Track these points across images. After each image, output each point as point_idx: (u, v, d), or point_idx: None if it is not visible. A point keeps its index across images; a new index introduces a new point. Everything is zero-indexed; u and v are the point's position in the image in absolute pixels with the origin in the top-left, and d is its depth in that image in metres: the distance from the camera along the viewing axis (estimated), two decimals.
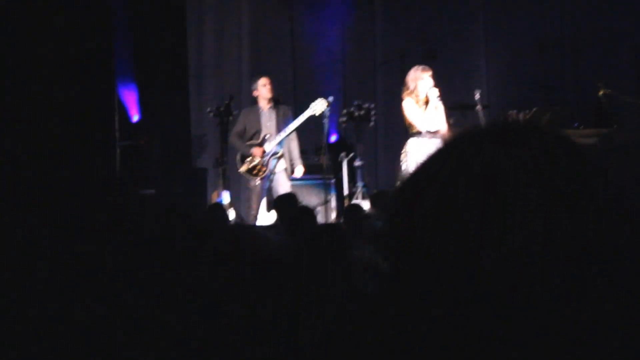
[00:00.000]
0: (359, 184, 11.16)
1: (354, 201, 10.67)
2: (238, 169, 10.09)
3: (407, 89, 8.99)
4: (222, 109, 10.88)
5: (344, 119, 11.82)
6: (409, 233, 1.03)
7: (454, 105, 10.84)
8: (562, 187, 1.00)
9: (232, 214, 9.71)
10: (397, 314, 1.02)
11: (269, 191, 10.03)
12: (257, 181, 9.95)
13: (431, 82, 8.99)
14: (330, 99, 10.21)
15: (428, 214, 1.02)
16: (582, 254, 0.98)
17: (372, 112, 11.78)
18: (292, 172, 10.09)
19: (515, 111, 11.06)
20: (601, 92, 10.02)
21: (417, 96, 8.94)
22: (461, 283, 0.97)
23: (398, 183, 1.14)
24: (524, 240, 0.97)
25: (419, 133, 8.92)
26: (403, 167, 8.91)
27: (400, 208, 1.07)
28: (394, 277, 1.04)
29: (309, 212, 6.85)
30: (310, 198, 10.53)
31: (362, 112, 11.70)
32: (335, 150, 11.44)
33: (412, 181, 1.09)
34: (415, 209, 1.04)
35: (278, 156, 10.00)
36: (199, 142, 12.48)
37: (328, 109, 10.10)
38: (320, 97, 10.30)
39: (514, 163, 1.00)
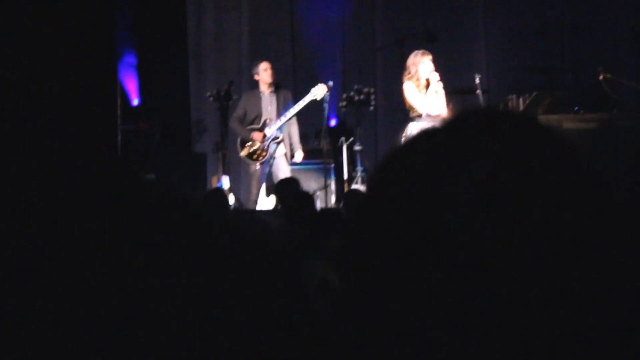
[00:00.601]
0: (359, 169, 11.17)
1: (354, 186, 10.70)
2: (238, 154, 10.09)
3: (408, 73, 9.01)
4: (222, 93, 10.90)
5: (344, 103, 11.82)
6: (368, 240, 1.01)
7: (454, 89, 10.87)
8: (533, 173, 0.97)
9: (231, 199, 9.71)
10: (353, 334, 1.00)
11: (268, 176, 10.05)
12: (257, 166, 9.95)
13: (431, 66, 9.00)
14: (330, 83, 10.21)
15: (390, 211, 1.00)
16: (552, 240, 0.95)
17: (372, 97, 11.77)
18: (292, 156, 10.10)
19: (514, 95, 11.08)
20: (601, 77, 10.02)
21: (417, 80, 8.96)
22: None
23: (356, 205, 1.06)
24: (490, 231, 0.95)
25: (419, 116, 8.95)
26: None
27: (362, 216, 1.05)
28: (350, 297, 1.02)
29: (309, 197, 6.86)
30: (310, 182, 10.55)
31: (361, 97, 11.69)
32: (335, 134, 11.44)
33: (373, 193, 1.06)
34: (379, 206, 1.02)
35: (278, 141, 10.00)
36: (199, 127, 12.48)
37: (328, 93, 10.09)
38: (320, 81, 10.31)
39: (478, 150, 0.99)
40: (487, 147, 0.98)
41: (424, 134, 1.04)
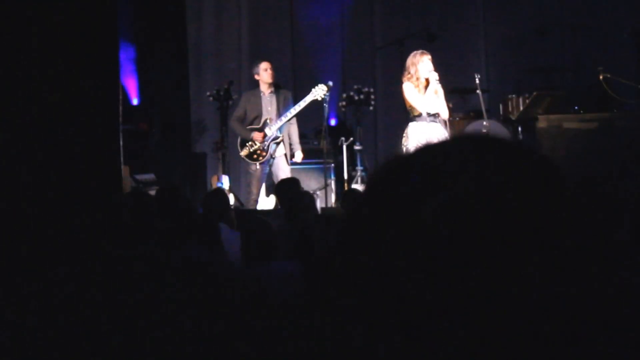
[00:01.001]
0: (359, 168, 11.22)
1: (354, 185, 10.74)
2: (239, 153, 10.11)
3: (408, 73, 9.00)
4: (221, 93, 10.93)
5: (344, 103, 11.87)
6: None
7: (454, 89, 10.89)
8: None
9: (231, 199, 9.74)
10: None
11: (269, 176, 10.07)
12: (257, 166, 9.97)
13: (430, 65, 8.99)
14: (330, 83, 10.22)
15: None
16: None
17: (372, 96, 11.81)
18: (292, 156, 10.11)
19: (514, 95, 11.10)
20: (601, 76, 10.04)
21: (417, 80, 8.96)
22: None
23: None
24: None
25: (419, 116, 8.96)
26: (404, 151, 8.94)
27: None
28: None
29: (309, 197, 6.88)
30: (310, 182, 10.59)
31: (361, 96, 11.74)
32: (335, 134, 11.46)
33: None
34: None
35: (278, 141, 10.01)
36: (199, 127, 12.50)
37: (328, 93, 10.12)
38: (319, 81, 10.32)
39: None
40: (470, 169, 1.03)
41: (419, 152, 1.09)
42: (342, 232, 1.08)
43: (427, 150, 1.09)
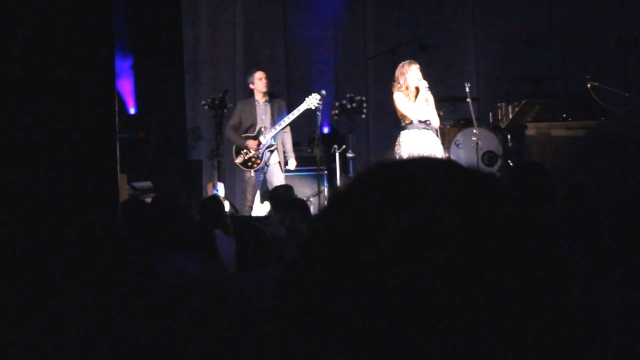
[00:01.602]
0: (352, 175, 11.25)
1: None
2: (234, 161, 10.20)
3: (397, 84, 9.05)
4: (217, 102, 11.03)
5: (336, 111, 11.92)
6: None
7: (444, 97, 11.00)
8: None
9: (227, 206, 9.84)
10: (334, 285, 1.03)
11: (263, 183, 10.15)
12: (252, 173, 10.04)
13: (419, 74, 9.03)
14: (323, 92, 10.30)
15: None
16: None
17: (364, 105, 11.88)
18: (286, 164, 10.22)
19: (504, 103, 11.21)
20: (589, 85, 10.09)
21: (407, 89, 9.00)
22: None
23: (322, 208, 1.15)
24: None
25: (411, 124, 9.00)
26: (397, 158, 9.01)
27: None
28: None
29: (303, 203, 6.99)
30: (303, 189, 10.66)
31: (354, 105, 11.79)
32: (327, 142, 11.51)
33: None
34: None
35: (272, 149, 10.10)
36: (195, 135, 12.59)
37: (321, 102, 10.24)
38: (313, 89, 10.40)
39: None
40: (430, 192, 1.03)
41: (384, 171, 1.10)
42: (303, 245, 1.07)
43: (391, 169, 1.09)
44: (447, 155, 10.15)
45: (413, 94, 9.04)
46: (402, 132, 9.09)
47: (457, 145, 10.77)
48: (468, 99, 9.96)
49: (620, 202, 3.13)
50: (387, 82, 9.57)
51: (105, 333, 1.16)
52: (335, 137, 11.99)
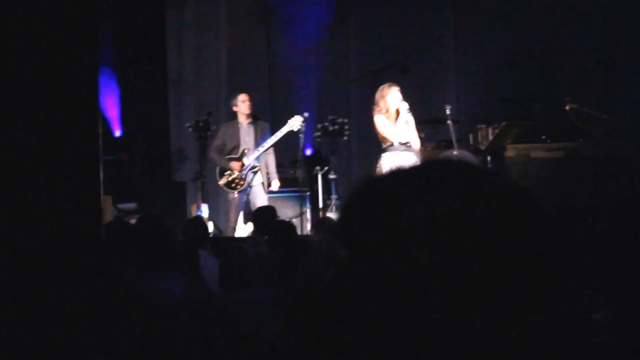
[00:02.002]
0: (334, 197, 11.32)
1: (329, 213, 10.84)
2: (217, 182, 10.26)
3: (377, 107, 9.12)
4: (200, 124, 11.10)
5: (319, 133, 11.99)
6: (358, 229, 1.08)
7: (426, 119, 11.07)
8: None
9: (210, 226, 9.89)
10: (352, 300, 1.03)
11: (246, 204, 10.19)
12: (235, 194, 10.10)
13: (399, 96, 9.10)
14: (306, 114, 10.39)
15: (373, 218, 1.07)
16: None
17: (346, 127, 11.97)
18: (269, 185, 10.28)
19: (484, 125, 11.28)
20: (568, 107, 10.19)
21: (387, 111, 9.07)
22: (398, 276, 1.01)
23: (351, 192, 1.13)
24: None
25: (391, 146, 9.07)
26: None
27: (352, 209, 1.12)
28: (350, 264, 1.06)
29: (289, 225, 7.05)
30: (286, 210, 10.69)
31: (336, 127, 11.87)
32: (310, 163, 11.58)
33: (361, 192, 1.13)
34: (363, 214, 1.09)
35: (255, 170, 10.16)
36: (179, 156, 12.64)
37: (304, 124, 10.32)
38: (296, 112, 10.49)
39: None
40: (438, 190, 1.05)
41: (392, 174, 1.13)
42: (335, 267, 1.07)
43: (392, 175, 1.11)
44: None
45: (394, 117, 9.11)
46: (383, 154, 9.15)
47: None
48: (448, 121, 10.02)
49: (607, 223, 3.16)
50: (369, 105, 9.61)
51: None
52: (318, 158, 12.01)
